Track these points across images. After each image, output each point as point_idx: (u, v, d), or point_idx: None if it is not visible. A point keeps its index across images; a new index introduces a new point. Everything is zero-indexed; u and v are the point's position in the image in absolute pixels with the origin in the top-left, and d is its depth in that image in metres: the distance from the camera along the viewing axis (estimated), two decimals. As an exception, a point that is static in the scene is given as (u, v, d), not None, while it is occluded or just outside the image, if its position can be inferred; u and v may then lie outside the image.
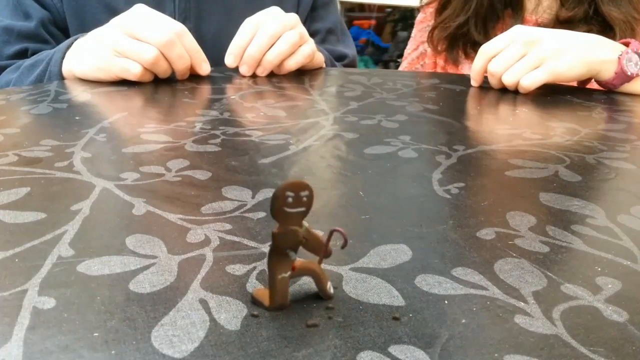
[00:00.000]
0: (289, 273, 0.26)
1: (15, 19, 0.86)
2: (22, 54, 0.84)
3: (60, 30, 0.88)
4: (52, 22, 0.87)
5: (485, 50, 0.77)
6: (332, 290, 0.27)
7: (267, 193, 0.39)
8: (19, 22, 0.85)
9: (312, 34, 0.99)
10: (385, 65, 3.00)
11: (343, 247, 0.26)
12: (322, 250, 0.26)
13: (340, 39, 1.05)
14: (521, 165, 0.47)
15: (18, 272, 0.28)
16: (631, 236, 0.35)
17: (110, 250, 0.30)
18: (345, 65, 1.02)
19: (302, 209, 0.25)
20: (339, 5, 1.10)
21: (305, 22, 0.99)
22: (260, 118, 0.59)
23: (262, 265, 0.30)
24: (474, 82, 0.80)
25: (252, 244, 0.32)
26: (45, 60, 0.76)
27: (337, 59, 1.01)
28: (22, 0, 0.85)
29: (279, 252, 0.25)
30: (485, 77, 0.79)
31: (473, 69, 0.79)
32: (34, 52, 0.83)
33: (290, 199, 0.24)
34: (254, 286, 0.28)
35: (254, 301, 0.26)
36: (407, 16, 3.02)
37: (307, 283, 0.28)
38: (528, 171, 0.46)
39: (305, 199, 0.24)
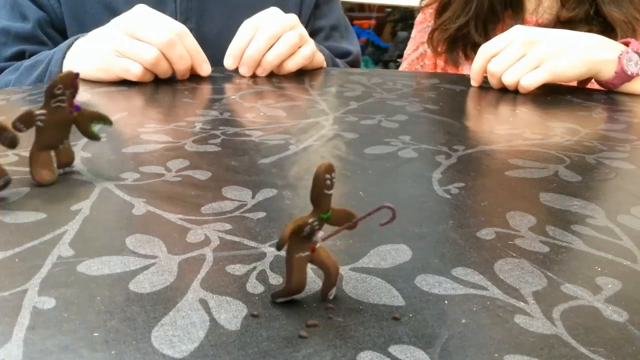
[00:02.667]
0: (307, 253, 0.26)
1: (12, 20, 0.85)
2: (19, 56, 0.84)
3: (57, 31, 0.87)
4: (49, 23, 0.86)
5: (485, 50, 0.77)
6: (331, 297, 0.27)
7: (267, 193, 0.39)
8: (15, 23, 0.85)
9: (316, 31, 0.99)
10: (385, 65, 3.00)
11: (386, 223, 0.26)
12: (350, 220, 0.27)
13: (344, 35, 1.04)
14: (521, 165, 0.47)
15: (18, 272, 0.28)
16: (631, 236, 0.35)
17: (110, 250, 0.30)
18: (349, 62, 1.02)
19: (332, 191, 0.26)
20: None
21: (309, 19, 0.99)
22: (260, 118, 0.59)
23: (262, 265, 0.30)
24: (474, 82, 0.80)
25: (252, 244, 0.32)
26: (45, 61, 0.76)
27: (341, 55, 1.01)
28: (18, 1, 0.85)
29: (300, 226, 0.25)
30: (485, 77, 0.79)
31: (473, 69, 0.79)
32: (31, 54, 0.82)
33: (328, 182, 0.25)
34: (254, 286, 0.28)
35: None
36: (407, 16, 3.02)
37: (307, 283, 0.28)
38: (528, 171, 0.46)
39: (334, 179, 0.26)
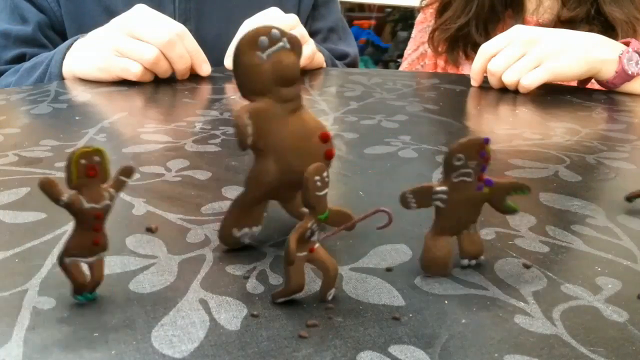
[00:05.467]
0: (304, 253, 0.26)
1: (12, 23, 0.85)
2: (20, 59, 0.84)
3: (57, 34, 0.87)
4: (50, 25, 0.86)
5: (485, 49, 0.77)
6: (330, 297, 0.27)
7: (267, 193, 0.39)
8: (16, 26, 0.85)
9: (314, 33, 0.99)
10: (385, 65, 2.99)
11: (382, 227, 0.26)
12: (347, 221, 0.27)
13: (342, 37, 1.04)
14: (521, 165, 0.47)
15: (18, 272, 0.28)
16: (631, 236, 0.35)
17: (110, 250, 0.30)
18: (347, 64, 1.02)
19: (326, 189, 0.26)
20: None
21: (307, 21, 0.99)
22: (260, 118, 0.59)
23: (262, 265, 0.30)
24: (474, 82, 0.80)
25: (252, 244, 0.32)
26: (45, 62, 0.76)
27: (339, 57, 1.01)
28: (19, 4, 0.85)
29: (302, 234, 0.25)
30: (486, 77, 0.79)
31: (473, 69, 0.79)
32: (32, 57, 0.82)
33: (319, 183, 0.25)
34: (254, 286, 0.28)
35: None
36: (407, 16, 3.01)
37: (307, 283, 0.27)
38: (528, 171, 0.46)
39: (326, 179, 0.26)
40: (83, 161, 0.24)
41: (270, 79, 0.28)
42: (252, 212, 0.31)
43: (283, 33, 0.28)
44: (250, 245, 0.32)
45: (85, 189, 0.25)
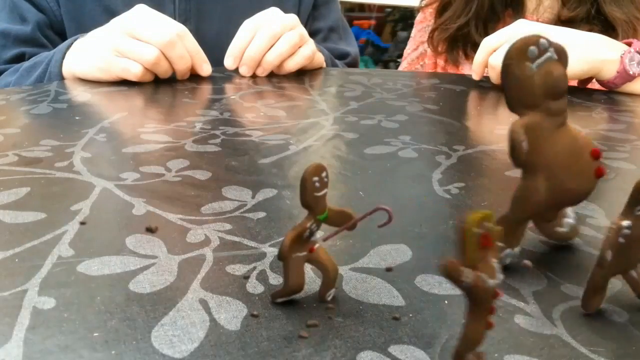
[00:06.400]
0: (304, 254, 0.26)
1: (11, 23, 0.85)
2: (19, 59, 0.84)
3: (57, 33, 0.87)
4: (49, 25, 0.86)
5: (487, 43, 0.77)
6: (329, 298, 0.27)
7: (267, 193, 0.39)
8: (15, 26, 0.85)
9: (314, 33, 0.99)
10: (385, 65, 2.99)
11: (383, 225, 0.26)
12: (347, 222, 0.26)
13: (342, 36, 1.04)
14: (521, 165, 0.47)
15: (18, 272, 0.28)
16: (631, 236, 0.35)
17: (110, 250, 0.30)
18: (348, 63, 1.02)
19: (325, 190, 0.25)
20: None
21: (307, 20, 0.99)
22: (260, 118, 0.59)
23: (262, 265, 0.30)
24: (475, 76, 0.79)
25: (252, 244, 0.32)
26: (44, 62, 0.76)
27: (339, 57, 1.01)
28: (18, 3, 0.85)
29: (299, 233, 0.25)
30: (487, 77, 0.79)
31: (474, 62, 0.79)
32: (31, 57, 0.82)
33: (317, 184, 0.25)
34: (254, 286, 0.28)
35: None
36: (407, 16, 3.01)
37: (307, 283, 0.28)
38: (528, 171, 0.46)
39: (325, 179, 0.25)
40: (477, 230, 0.20)
41: (540, 92, 0.27)
42: (515, 232, 0.29)
43: (550, 43, 0.27)
44: (251, 246, 0.32)
45: (480, 264, 0.20)
